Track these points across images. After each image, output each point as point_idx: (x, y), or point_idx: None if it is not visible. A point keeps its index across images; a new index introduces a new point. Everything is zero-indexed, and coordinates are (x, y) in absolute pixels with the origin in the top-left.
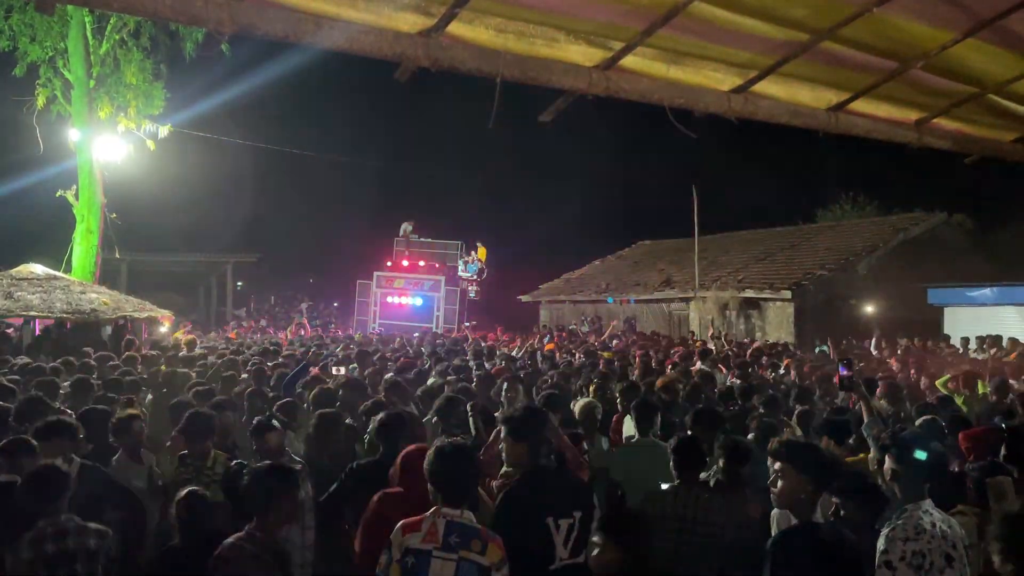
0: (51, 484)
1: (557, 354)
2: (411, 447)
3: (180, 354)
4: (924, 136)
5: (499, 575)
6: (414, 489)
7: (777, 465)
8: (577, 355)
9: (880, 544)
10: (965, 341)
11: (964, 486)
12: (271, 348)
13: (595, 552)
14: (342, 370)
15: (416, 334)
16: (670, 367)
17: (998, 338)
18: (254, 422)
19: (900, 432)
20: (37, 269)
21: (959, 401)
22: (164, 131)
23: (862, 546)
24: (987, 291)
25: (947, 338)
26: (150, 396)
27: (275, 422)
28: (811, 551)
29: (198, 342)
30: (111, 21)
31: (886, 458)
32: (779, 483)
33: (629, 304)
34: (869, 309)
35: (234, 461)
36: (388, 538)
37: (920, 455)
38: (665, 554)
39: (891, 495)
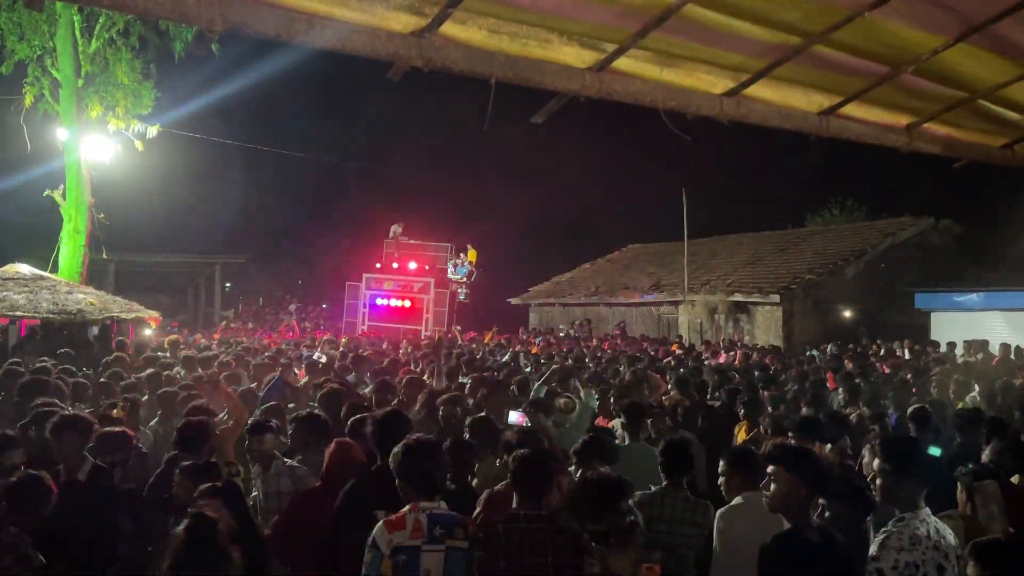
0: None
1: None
2: (333, 445)
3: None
4: (914, 140)
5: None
6: (332, 484)
7: (770, 468)
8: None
9: (872, 550)
10: (952, 346)
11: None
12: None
13: None
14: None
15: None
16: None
17: (984, 343)
18: (249, 423)
19: (894, 440)
20: (23, 269)
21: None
22: (153, 131)
23: (851, 549)
24: (974, 296)
25: (935, 344)
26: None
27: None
28: (803, 555)
29: (181, 342)
30: (100, 20)
31: (878, 465)
32: (772, 486)
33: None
34: (857, 313)
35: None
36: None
37: (926, 462)
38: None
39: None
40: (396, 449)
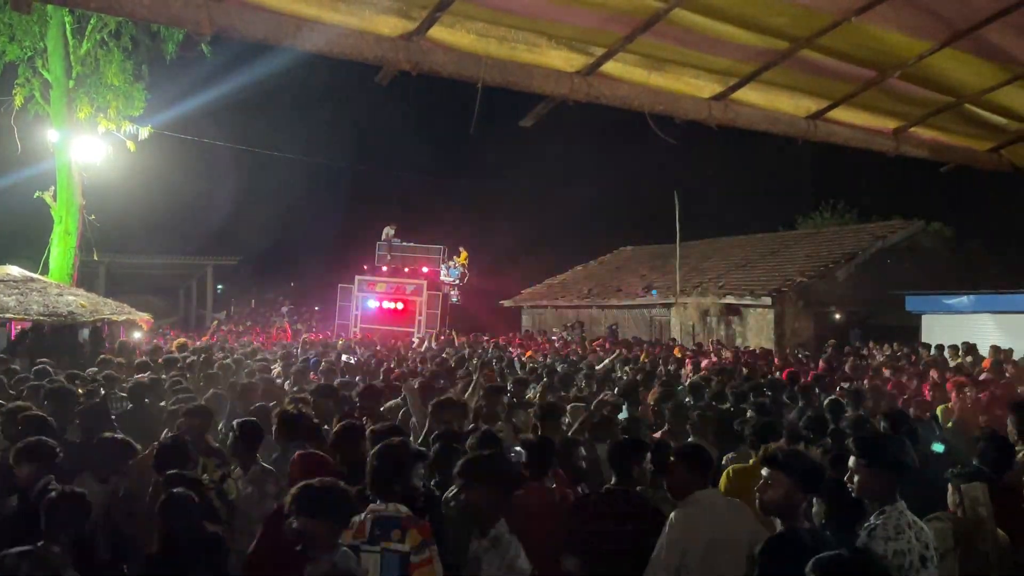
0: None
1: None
2: (297, 457)
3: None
4: (901, 145)
5: (418, 558)
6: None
7: (765, 471)
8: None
9: (861, 543)
10: (940, 349)
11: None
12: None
13: None
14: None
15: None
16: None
17: (973, 346)
18: (238, 434)
19: (867, 437)
20: (13, 271)
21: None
22: (144, 132)
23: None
24: (964, 299)
25: (927, 346)
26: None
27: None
28: (799, 556)
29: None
30: (91, 21)
31: (853, 465)
32: (769, 490)
33: (651, 296)
34: (849, 316)
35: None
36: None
37: (899, 457)
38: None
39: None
40: (372, 450)
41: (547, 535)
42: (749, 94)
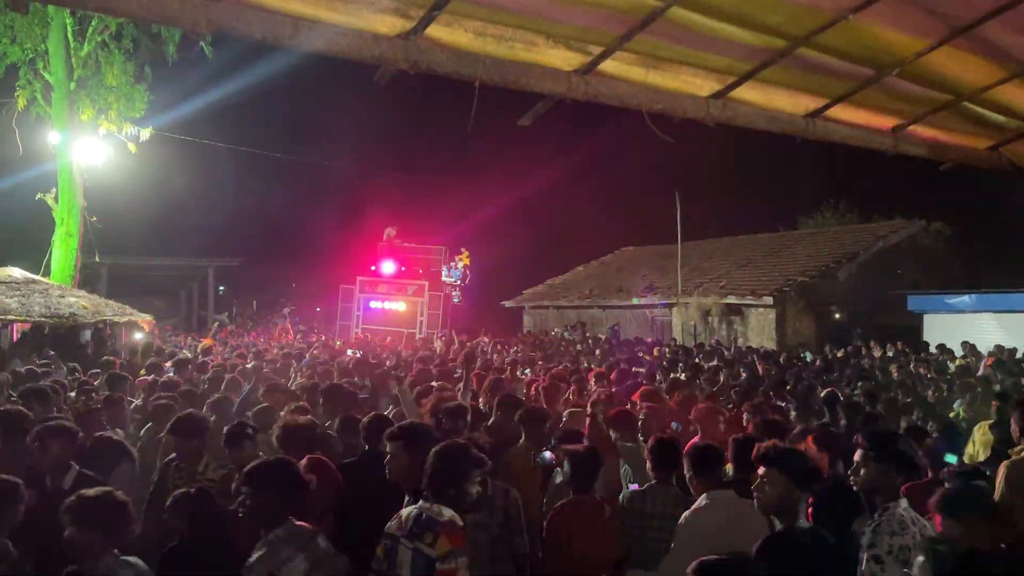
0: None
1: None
2: (305, 461)
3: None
4: (900, 143)
5: (444, 566)
6: None
7: (762, 470)
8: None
9: (866, 539)
10: (942, 348)
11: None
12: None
13: None
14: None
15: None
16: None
17: (972, 346)
18: (224, 431)
19: (874, 432)
20: (15, 273)
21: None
22: (146, 134)
23: (842, 549)
24: (965, 298)
25: (926, 345)
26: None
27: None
28: (797, 555)
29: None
30: (92, 23)
31: (860, 458)
32: (766, 488)
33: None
34: (850, 315)
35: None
36: None
37: (905, 453)
38: (647, 550)
39: (866, 499)
40: (434, 448)
41: (593, 546)
42: (747, 92)
